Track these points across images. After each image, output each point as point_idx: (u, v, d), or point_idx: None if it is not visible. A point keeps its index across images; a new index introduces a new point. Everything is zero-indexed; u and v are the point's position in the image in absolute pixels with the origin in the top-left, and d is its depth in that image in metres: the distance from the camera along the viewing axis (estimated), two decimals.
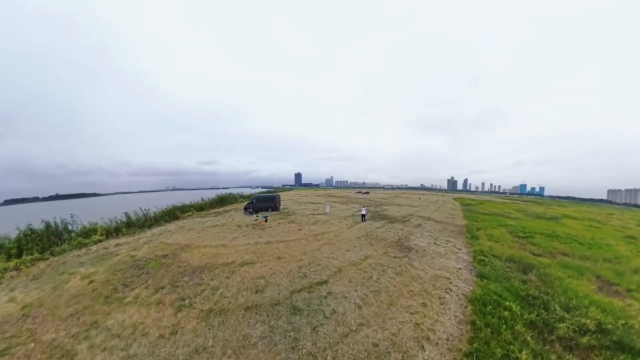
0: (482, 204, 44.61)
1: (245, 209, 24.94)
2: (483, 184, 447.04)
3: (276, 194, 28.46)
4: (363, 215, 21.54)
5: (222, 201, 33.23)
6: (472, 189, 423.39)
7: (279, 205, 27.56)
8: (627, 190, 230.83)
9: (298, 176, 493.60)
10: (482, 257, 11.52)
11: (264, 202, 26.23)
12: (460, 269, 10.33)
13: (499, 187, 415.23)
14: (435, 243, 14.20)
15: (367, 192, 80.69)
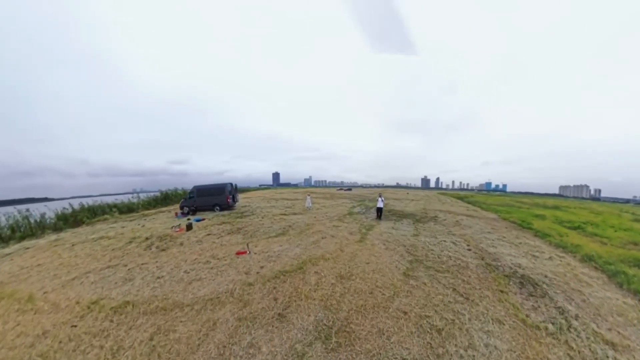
0: (473, 197, 42.93)
1: (181, 207, 16.13)
2: (453, 182, 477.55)
3: (228, 183, 18.05)
4: (379, 210, 13.70)
5: (166, 199, 23.56)
6: (444, 187, 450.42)
7: (233, 199, 18.09)
8: (575, 186, 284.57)
9: (276, 176, 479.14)
10: (615, 269, 6.87)
11: (206, 195, 16.77)
12: None
13: (468, 184, 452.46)
14: (532, 255, 8.15)
15: (350, 189, 77.27)
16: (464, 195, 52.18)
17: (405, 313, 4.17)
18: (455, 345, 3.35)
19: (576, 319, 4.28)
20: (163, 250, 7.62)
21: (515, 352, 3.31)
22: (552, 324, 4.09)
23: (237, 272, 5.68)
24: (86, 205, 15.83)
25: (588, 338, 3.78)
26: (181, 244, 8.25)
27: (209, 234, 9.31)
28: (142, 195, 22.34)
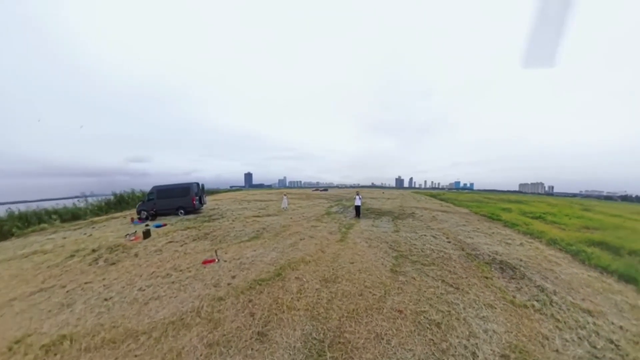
0: (445, 195, 46.34)
1: (138, 212, 14.16)
2: (425, 181, 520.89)
3: (194, 183, 16.25)
4: (358, 208, 13.97)
5: (121, 203, 20.57)
6: (417, 186, 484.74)
7: (200, 201, 16.36)
8: (532, 184, 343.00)
9: (248, 176, 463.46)
10: (576, 249, 8.30)
11: (168, 197, 15.00)
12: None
13: (439, 184, 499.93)
14: (505, 243, 9.17)
15: (326, 190, 78.18)
16: (437, 193, 56.40)
17: (400, 312, 3.95)
18: (457, 337, 3.36)
19: (555, 295, 4.88)
20: (113, 264, 6.44)
21: (512, 332, 3.53)
22: (537, 301, 4.55)
23: (205, 285, 4.86)
24: (17, 213, 13.15)
25: (568, 309, 4.32)
26: (136, 255, 7.10)
27: (170, 242, 8.21)
28: (92, 199, 19.43)
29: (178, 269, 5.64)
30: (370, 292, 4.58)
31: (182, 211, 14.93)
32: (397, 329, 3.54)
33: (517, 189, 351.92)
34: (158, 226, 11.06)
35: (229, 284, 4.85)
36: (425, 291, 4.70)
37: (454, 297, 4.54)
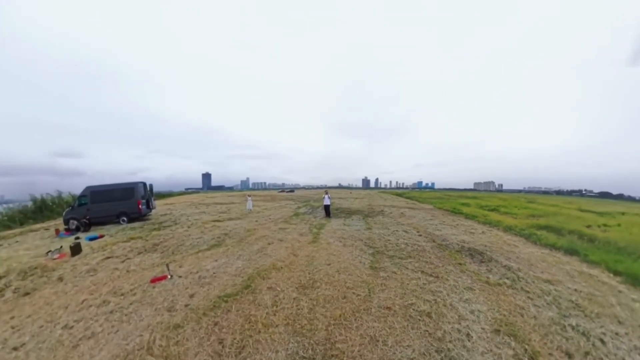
0: (409, 193, 50.45)
1: (66, 221, 11.41)
2: (390, 182, 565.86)
3: (140, 182, 13.64)
4: (327, 207, 14.02)
5: (42, 210, 15.85)
6: (382, 186, 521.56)
7: (148, 205, 13.95)
8: (485, 182, 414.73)
9: (207, 177, 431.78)
10: (529, 232, 10.00)
11: (106, 201, 12.44)
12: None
13: (403, 183, 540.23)
14: (469, 232, 10.22)
15: (292, 191, 77.53)
16: (402, 192, 60.83)
17: (389, 309, 3.82)
18: (449, 322, 3.51)
19: (520, 271, 5.69)
20: (27, 294, 4.86)
21: (494, 309, 3.92)
22: (507, 279, 5.22)
23: (155, 310, 3.86)
24: None
25: (533, 282, 5.11)
26: (60, 278, 5.54)
27: (108, 257, 6.73)
28: (1, 207, 15.27)
29: (119, 293, 4.46)
30: (353, 293, 4.30)
31: (124, 218, 12.48)
32: (390, 327, 3.39)
33: (472, 187, 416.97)
34: (92, 238, 9.17)
35: (186, 306, 3.95)
36: (408, 284, 4.77)
37: (436, 285, 4.75)
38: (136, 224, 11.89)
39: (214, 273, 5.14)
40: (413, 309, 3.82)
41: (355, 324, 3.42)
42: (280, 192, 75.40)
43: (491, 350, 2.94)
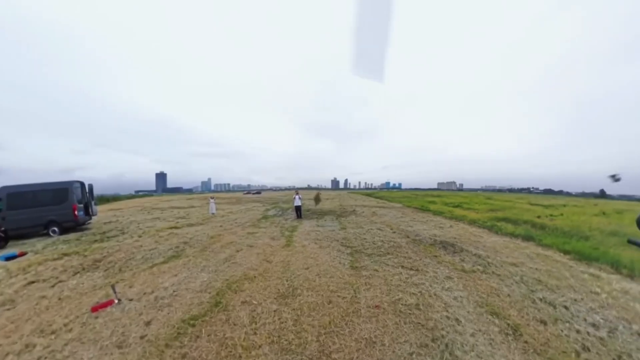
0: (378, 193, 53.29)
1: None
2: (359, 182, 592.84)
3: (75, 182, 11.12)
4: (298, 208, 13.80)
5: None
6: (352, 187, 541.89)
7: (87, 211, 11.69)
8: (447, 182, 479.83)
9: (161, 177, 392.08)
10: (491, 224, 11.48)
11: (29, 206, 9.95)
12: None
13: (372, 184, 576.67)
14: (439, 227, 11.16)
15: (259, 192, 75.38)
16: (371, 192, 63.73)
17: (378, 307, 3.80)
18: (437, 311, 3.70)
19: (488, 258, 6.36)
20: None
21: (473, 293, 4.33)
22: (479, 265, 5.83)
23: (101, 349, 2.92)
24: None
25: (501, 265, 5.82)
26: None
27: (32, 282, 5.33)
28: None
29: (48, 331, 3.30)
30: (339, 296, 4.10)
31: (55, 229, 10.17)
32: (383, 325, 3.34)
33: (436, 186, 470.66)
34: (9, 257, 7.31)
35: (142, 337, 3.09)
36: (391, 280, 4.86)
37: (418, 278, 4.97)
38: (71, 236, 9.93)
39: (174, 291, 4.35)
40: (401, 304, 3.90)
41: (348, 329, 3.22)
42: (246, 193, 72.78)
43: (480, 330, 3.23)
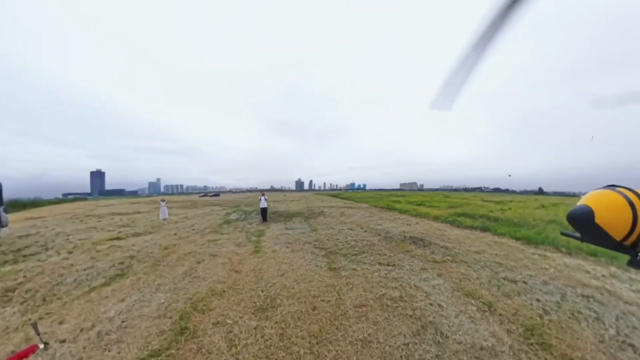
0: (344, 194, 54.65)
1: None
2: (325, 183, 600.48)
3: None
4: (264, 211, 13.34)
5: None
6: (317, 188, 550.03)
7: None
8: (409, 182, 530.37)
9: (98, 177, 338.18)
10: (452, 219, 12.67)
11: None
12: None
13: (337, 185, 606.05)
14: (406, 224, 11.94)
15: (218, 195, 71.12)
16: (337, 193, 65.43)
17: (364, 305, 3.84)
18: (421, 300, 4.02)
19: (455, 249, 7.13)
20: None
21: (448, 280, 4.86)
22: (448, 256, 6.48)
23: None
24: None
25: (467, 254, 6.55)
26: None
27: None
28: None
29: None
30: (322, 301, 3.95)
31: None
32: (374, 322, 3.40)
33: (399, 187, 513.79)
34: None
35: None
36: (371, 277, 5.01)
37: (396, 273, 5.25)
38: None
39: (123, 321, 3.45)
40: (386, 299, 4.05)
41: (340, 333, 3.12)
42: (203, 196, 68.02)
43: (461, 311, 3.68)
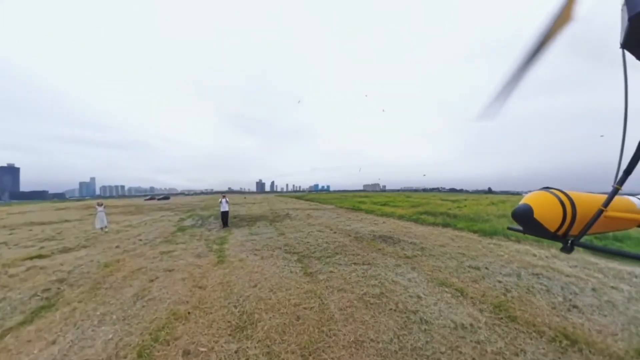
0: (308, 196, 56.50)
1: None
2: (287, 185, 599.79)
3: None
4: (225, 215, 12.53)
5: None
6: (279, 189, 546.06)
7: None
8: (372, 184, 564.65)
9: (8, 174, 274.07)
10: (415, 217, 13.95)
11: None
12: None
13: (300, 187, 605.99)
14: (374, 224, 12.53)
15: (167, 198, 65.26)
16: (300, 195, 65.45)
17: (348, 307, 3.91)
18: (401, 294, 4.32)
19: (422, 244, 7.80)
20: None
21: (422, 273, 5.33)
22: (417, 250, 7.08)
23: None
24: None
25: (434, 248, 7.35)
26: None
27: None
28: None
29: None
30: (305, 309, 3.81)
31: None
32: (361, 322, 3.49)
33: (362, 188, 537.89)
34: None
35: None
36: (349, 277, 5.13)
37: (372, 271, 5.49)
38: None
39: None
40: (368, 297, 4.21)
41: (331, 339, 3.12)
42: (149, 199, 61.44)
43: (438, 299, 4.12)
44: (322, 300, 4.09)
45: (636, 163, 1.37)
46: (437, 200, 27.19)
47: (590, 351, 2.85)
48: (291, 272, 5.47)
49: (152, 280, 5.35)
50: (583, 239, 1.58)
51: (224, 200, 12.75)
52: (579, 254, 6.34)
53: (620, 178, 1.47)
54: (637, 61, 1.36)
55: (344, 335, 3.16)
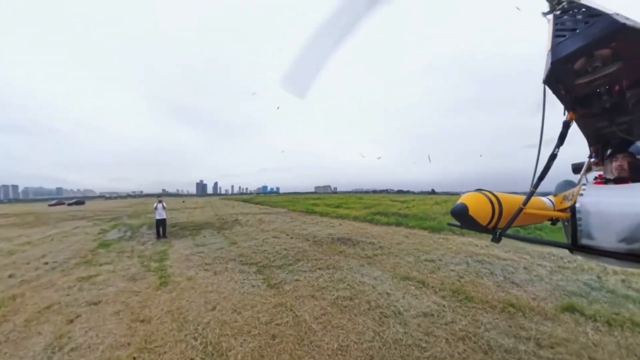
0: (256, 198, 55.33)
1: None
2: (233, 186, 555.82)
3: None
4: (161, 223, 10.99)
5: None
6: (223, 192, 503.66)
7: None
8: (323, 185, 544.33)
9: None
10: (370, 218, 14.89)
11: None
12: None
13: (247, 188, 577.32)
14: (330, 226, 12.94)
15: (82, 202, 55.02)
16: (249, 198, 62.41)
17: (323, 315, 3.98)
18: (370, 293, 4.61)
19: (380, 243, 8.48)
20: None
21: (385, 271, 5.80)
22: (377, 250, 7.65)
23: None
24: None
25: (391, 246, 8.04)
26: None
27: None
28: None
29: None
30: (278, 325, 3.67)
31: None
32: (340, 327, 3.60)
33: (313, 190, 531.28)
34: None
35: None
36: (317, 284, 5.19)
37: (339, 274, 5.66)
38: None
39: None
40: (341, 301, 4.37)
41: (314, 351, 3.11)
42: (55, 204, 50.16)
43: (405, 292, 4.61)
44: (294, 312, 4.00)
45: (547, 172, 1.81)
46: (388, 201, 29.20)
47: (530, 314, 3.82)
48: (253, 286, 5.11)
49: (71, 321, 4.02)
50: (508, 231, 1.91)
51: (159, 205, 10.98)
52: (509, 241, 7.73)
53: (536, 182, 1.87)
54: (553, 95, 1.83)
55: (327, 344, 3.20)
